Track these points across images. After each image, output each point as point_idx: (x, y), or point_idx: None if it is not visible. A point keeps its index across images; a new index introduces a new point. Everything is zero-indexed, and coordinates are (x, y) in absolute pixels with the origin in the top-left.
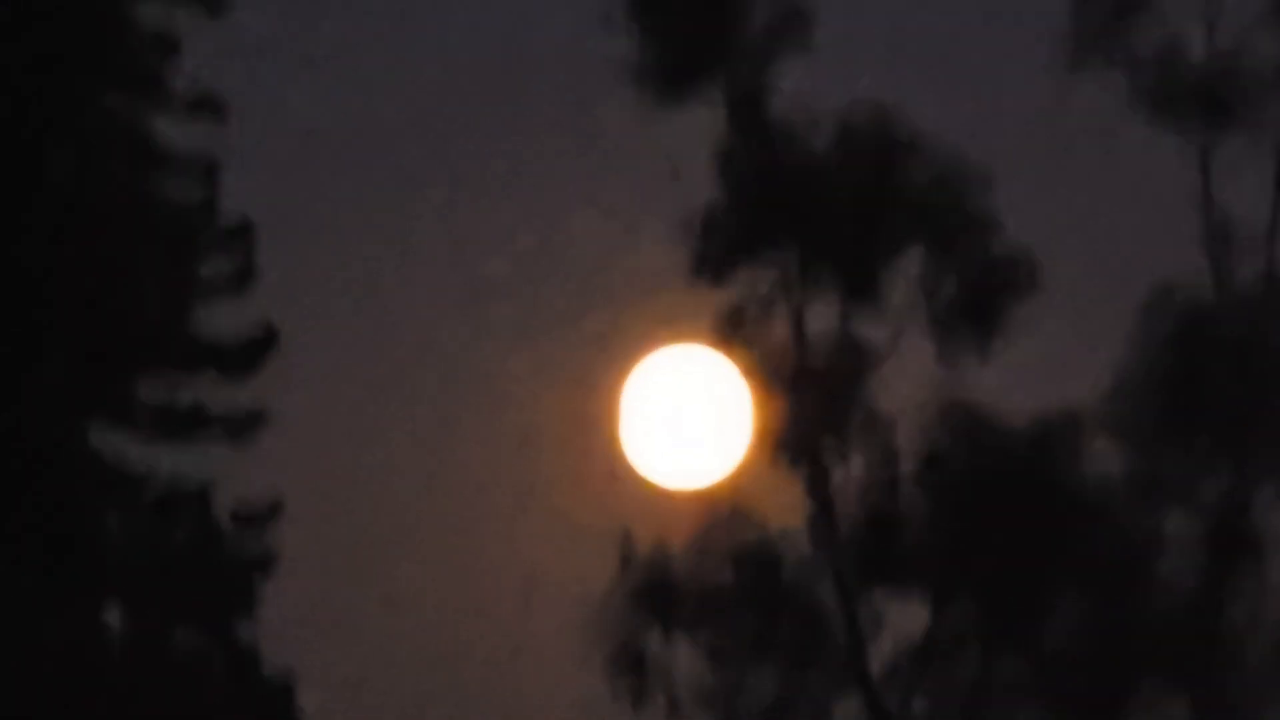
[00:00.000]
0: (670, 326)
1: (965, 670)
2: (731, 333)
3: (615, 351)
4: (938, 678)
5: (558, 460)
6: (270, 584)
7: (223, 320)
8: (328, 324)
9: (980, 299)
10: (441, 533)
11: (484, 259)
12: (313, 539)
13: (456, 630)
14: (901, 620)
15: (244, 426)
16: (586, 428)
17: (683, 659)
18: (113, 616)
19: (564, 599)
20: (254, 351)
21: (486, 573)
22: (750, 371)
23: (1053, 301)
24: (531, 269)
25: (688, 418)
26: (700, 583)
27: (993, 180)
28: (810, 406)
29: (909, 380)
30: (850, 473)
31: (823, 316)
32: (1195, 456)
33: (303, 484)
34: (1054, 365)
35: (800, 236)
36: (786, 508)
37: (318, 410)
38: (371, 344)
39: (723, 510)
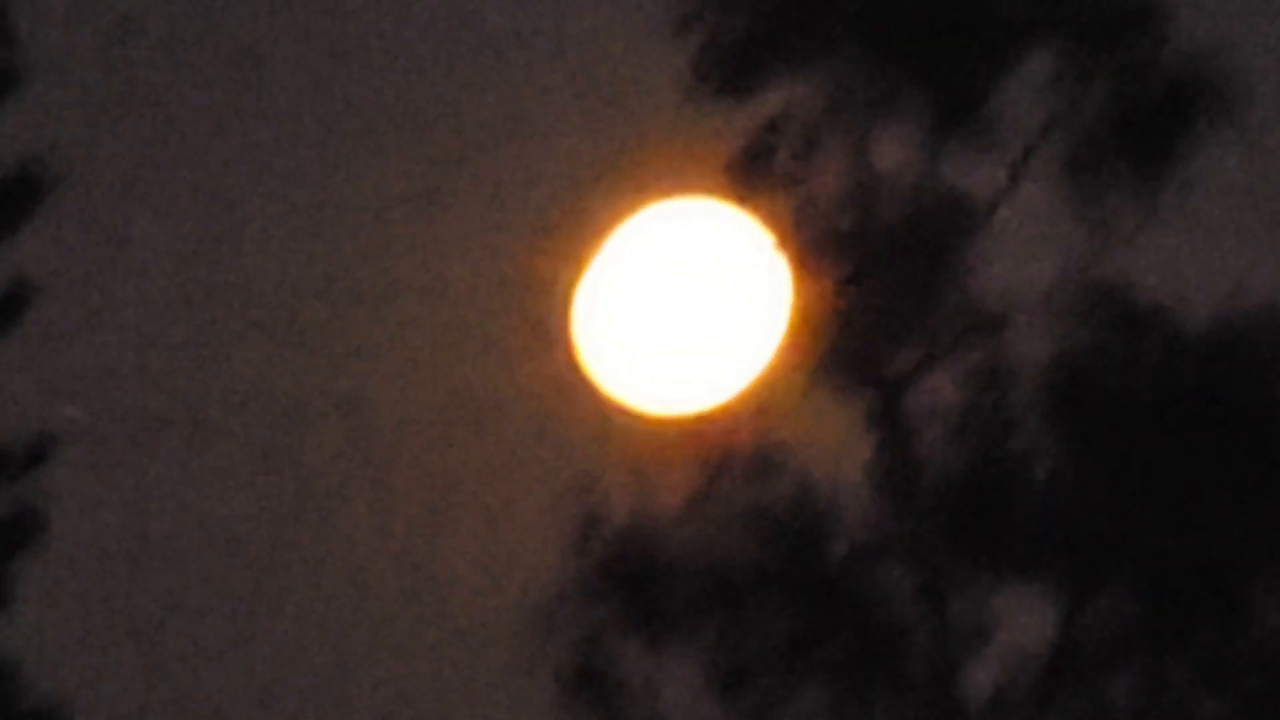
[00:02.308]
0: (662, 170)
1: (1117, 699)
2: (756, 177)
3: (577, 208)
4: (1072, 711)
5: (487, 374)
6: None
7: None
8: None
9: (1144, 127)
10: (329, 488)
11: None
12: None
13: (341, 625)
14: (1018, 624)
15: None
16: (532, 323)
17: (673, 679)
18: None
19: (499, 582)
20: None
21: (392, 543)
22: (783, 238)
23: (1257, 133)
24: (445, 78)
25: (683, 309)
26: (701, 563)
27: None
28: (876, 292)
29: (1031, 254)
30: (938, 397)
31: (898, 152)
32: None
33: (96, 401)
34: (1257, 234)
35: (863, 27)
36: (837, 449)
37: (122, 280)
38: (207, 190)
39: (737, 451)
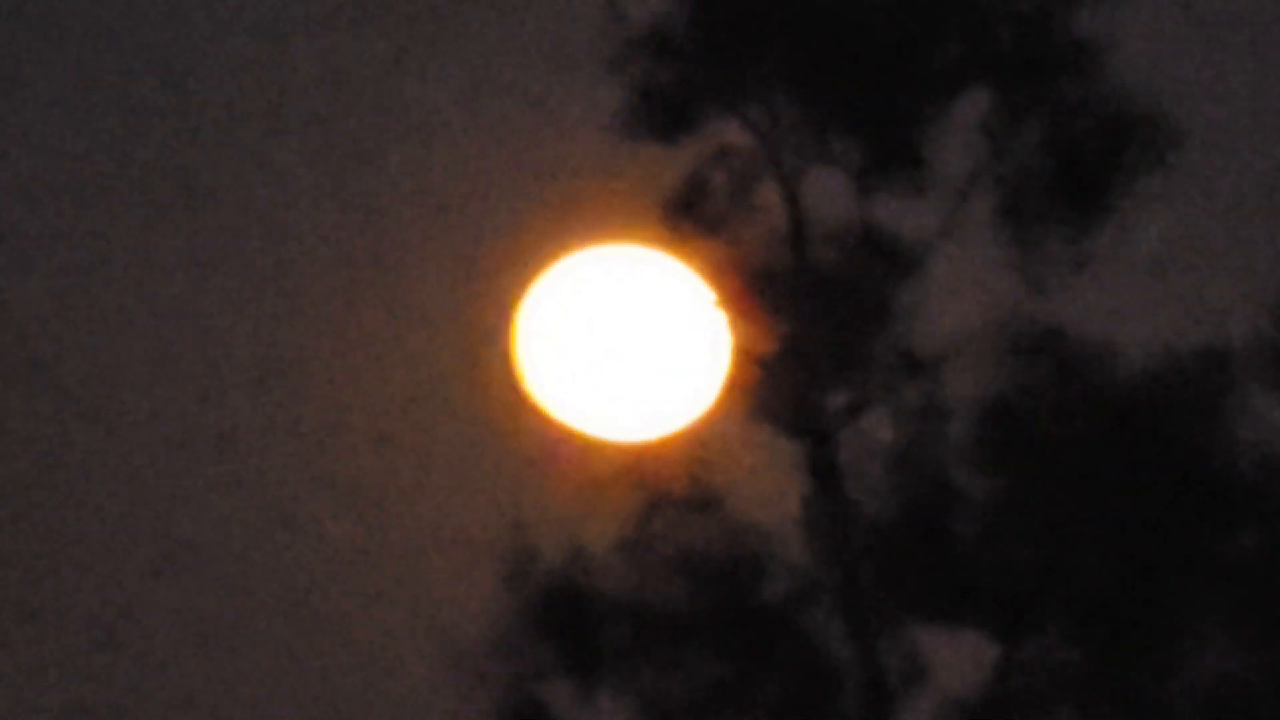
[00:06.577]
0: (596, 214)
1: None
2: (688, 221)
3: (514, 253)
4: None
5: (428, 417)
6: None
7: None
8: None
9: (1077, 170)
10: (262, 520)
11: (325, 115)
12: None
13: (271, 660)
14: (950, 665)
15: None
16: (470, 366)
17: None
18: None
19: (430, 622)
20: None
21: (325, 573)
22: (717, 281)
23: (1191, 178)
24: (392, 127)
25: (618, 350)
26: (635, 604)
27: None
28: (809, 336)
29: (963, 297)
30: (872, 438)
31: (831, 195)
32: None
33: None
34: (1191, 278)
35: (797, 70)
36: (771, 491)
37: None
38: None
39: (671, 490)
